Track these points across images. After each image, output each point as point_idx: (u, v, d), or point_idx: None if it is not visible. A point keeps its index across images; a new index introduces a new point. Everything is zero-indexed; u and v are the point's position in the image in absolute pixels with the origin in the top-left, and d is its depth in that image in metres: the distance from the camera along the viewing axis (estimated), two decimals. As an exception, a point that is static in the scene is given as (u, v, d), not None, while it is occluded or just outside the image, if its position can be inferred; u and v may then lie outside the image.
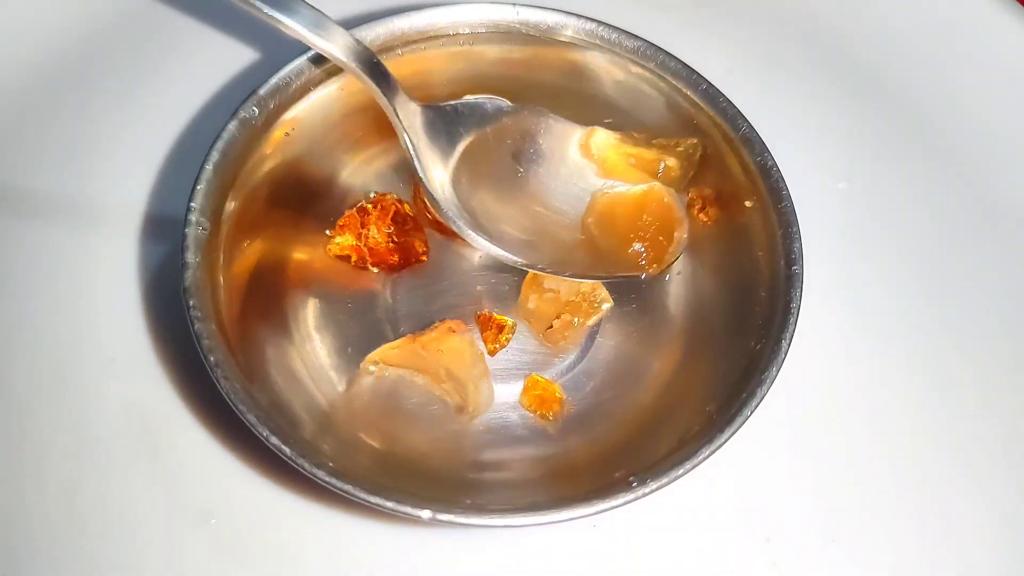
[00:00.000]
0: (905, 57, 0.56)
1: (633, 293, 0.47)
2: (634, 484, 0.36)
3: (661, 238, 0.44)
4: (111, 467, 0.43)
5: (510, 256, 0.43)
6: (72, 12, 0.53)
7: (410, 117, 0.43)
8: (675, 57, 0.46)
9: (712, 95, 0.45)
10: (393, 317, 0.46)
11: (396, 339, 0.44)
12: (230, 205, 0.41)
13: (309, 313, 0.45)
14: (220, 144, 0.40)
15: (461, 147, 0.45)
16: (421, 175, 0.43)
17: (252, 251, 0.43)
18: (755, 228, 0.43)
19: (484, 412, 0.43)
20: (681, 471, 0.37)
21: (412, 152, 0.43)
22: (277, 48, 0.53)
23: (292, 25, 0.39)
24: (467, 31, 0.46)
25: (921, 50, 0.56)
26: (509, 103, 0.46)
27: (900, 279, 0.50)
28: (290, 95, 0.43)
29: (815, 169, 0.52)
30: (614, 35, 0.46)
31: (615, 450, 0.42)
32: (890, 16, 0.57)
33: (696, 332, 0.45)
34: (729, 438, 0.37)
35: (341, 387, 0.44)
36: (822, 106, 0.54)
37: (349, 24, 0.44)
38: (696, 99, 0.46)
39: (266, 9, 0.39)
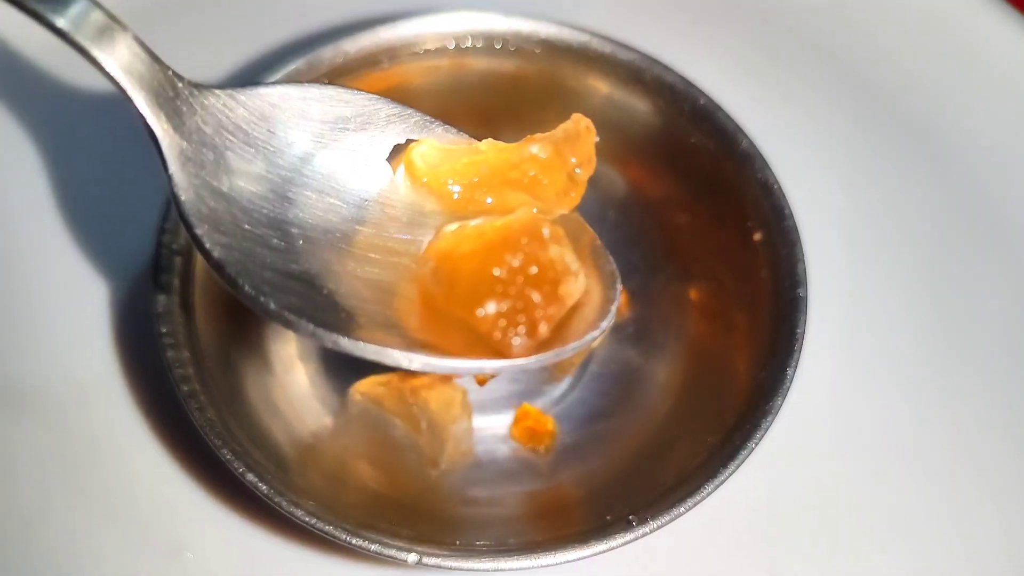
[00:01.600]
0: (905, 70, 0.55)
1: (628, 318, 0.45)
2: (634, 523, 0.34)
3: (535, 296, 0.30)
4: (79, 499, 0.40)
5: (315, 331, 0.30)
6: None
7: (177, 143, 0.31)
8: (672, 70, 0.44)
9: (710, 109, 0.44)
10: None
11: (383, 372, 0.42)
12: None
13: (291, 339, 0.43)
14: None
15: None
16: (195, 230, 0.30)
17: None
18: (758, 248, 0.42)
19: (456, 470, 0.41)
20: (683, 508, 0.35)
21: (174, 194, 0.31)
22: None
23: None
24: (455, 41, 0.44)
25: (923, 64, 0.55)
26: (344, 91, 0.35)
27: (905, 300, 0.48)
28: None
29: (813, 186, 0.51)
30: (608, 47, 0.44)
31: (611, 484, 0.40)
32: (888, 30, 0.56)
33: (695, 359, 0.43)
34: (733, 472, 0.36)
35: (327, 418, 0.42)
36: (818, 122, 0.53)
37: (334, 35, 0.42)
38: (693, 114, 0.44)
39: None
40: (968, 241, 0.50)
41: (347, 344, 0.30)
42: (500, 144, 0.34)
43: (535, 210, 0.33)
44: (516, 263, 0.30)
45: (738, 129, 0.43)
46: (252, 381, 0.40)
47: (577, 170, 0.34)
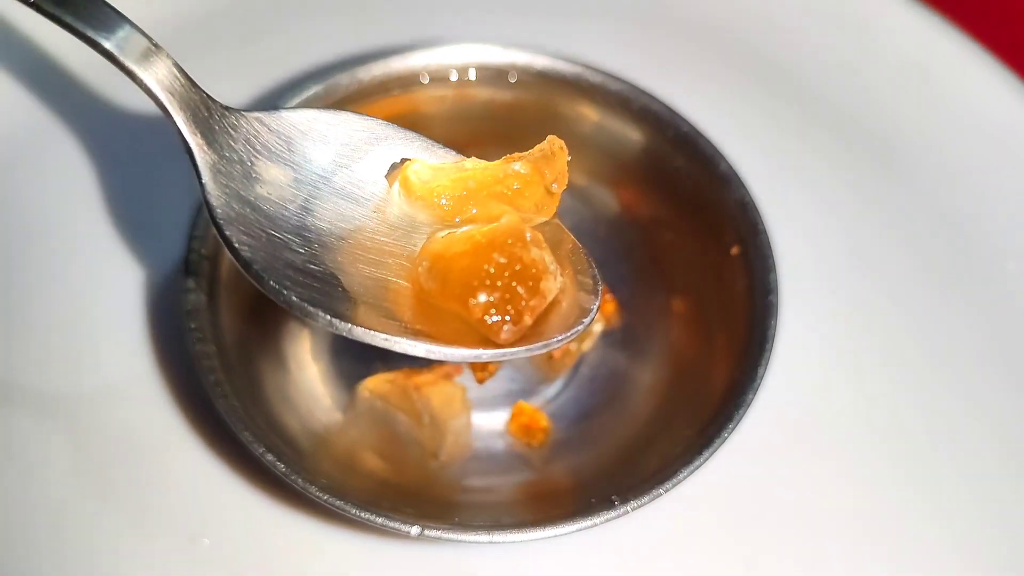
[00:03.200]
0: (874, 96, 0.58)
1: (617, 326, 0.49)
2: (616, 503, 0.38)
3: (520, 288, 0.34)
4: (102, 487, 0.43)
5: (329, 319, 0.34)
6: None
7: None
8: (657, 99, 0.48)
9: (692, 135, 0.47)
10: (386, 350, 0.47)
11: (389, 371, 0.46)
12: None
13: (305, 340, 0.47)
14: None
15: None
16: (225, 229, 0.35)
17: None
18: (736, 262, 0.45)
19: (456, 462, 0.44)
20: (662, 490, 0.38)
21: (211, 206, 0.35)
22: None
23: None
24: (459, 72, 0.48)
25: (892, 89, 0.58)
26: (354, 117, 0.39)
27: (877, 306, 0.51)
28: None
29: (788, 203, 0.53)
30: (599, 78, 0.48)
31: (598, 474, 0.43)
32: (859, 58, 0.59)
33: (678, 364, 0.47)
34: (708, 458, 0.39)
35: (337, 412, 0.45)
36: (792, 145, 0.56)
37: (349, 64, 0.46)
38: (676, 140, 0.48)
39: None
40: (932, 250, 0.53)
41: (360, 332, 0.34)
42: (484, 162, 0.38)
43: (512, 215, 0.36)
44: (503, 261, 0.34)
45: (717, 153, 0.46)
46: (269, 377, 0.44)
47: (553, 185, 0.37)
